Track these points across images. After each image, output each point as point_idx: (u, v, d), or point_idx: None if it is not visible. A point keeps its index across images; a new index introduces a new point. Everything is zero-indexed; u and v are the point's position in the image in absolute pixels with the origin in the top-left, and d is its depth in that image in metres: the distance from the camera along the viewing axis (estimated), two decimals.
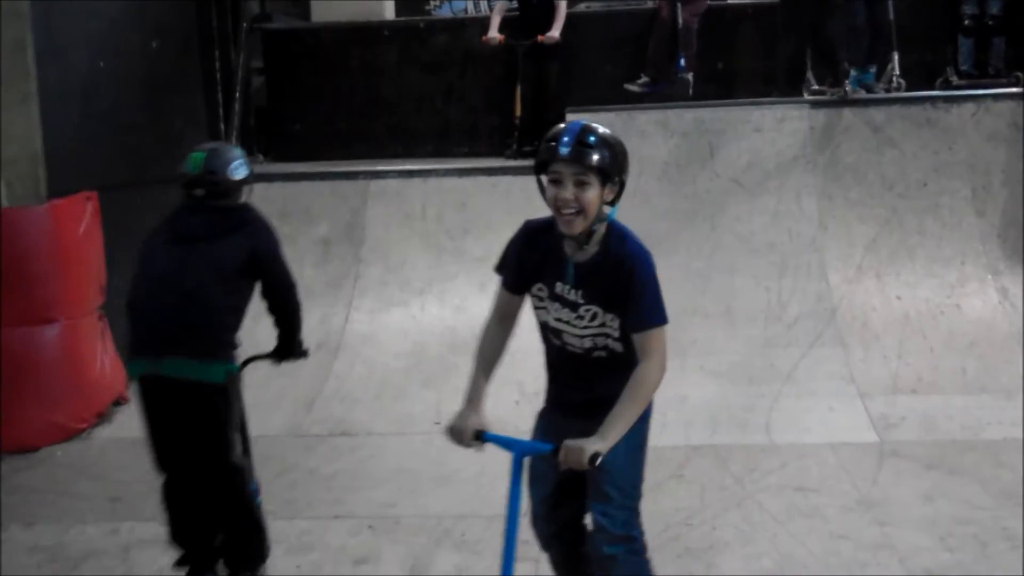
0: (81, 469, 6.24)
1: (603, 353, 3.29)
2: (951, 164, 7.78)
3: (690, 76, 8.88)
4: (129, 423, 6.87)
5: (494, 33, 9.07)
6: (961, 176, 7.74)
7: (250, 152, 9.54)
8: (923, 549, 4.74)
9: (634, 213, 7.54)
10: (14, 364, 6.42)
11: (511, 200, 8.06)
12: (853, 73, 8.38)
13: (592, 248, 3.21)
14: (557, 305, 3.28)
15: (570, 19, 9.12)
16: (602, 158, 3.08)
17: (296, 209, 8.10)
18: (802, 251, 7.52)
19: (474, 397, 3.36)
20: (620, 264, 3.17)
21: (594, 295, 3.22)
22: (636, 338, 3.18)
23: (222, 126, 9.29)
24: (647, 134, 8.10)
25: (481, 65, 9.66)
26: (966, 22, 8.76)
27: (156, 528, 4.60)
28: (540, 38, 8.88)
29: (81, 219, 6.81)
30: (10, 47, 6.64)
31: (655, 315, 3.17)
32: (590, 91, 9.18)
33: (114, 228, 7.18)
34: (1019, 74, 8.52)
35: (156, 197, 8.15)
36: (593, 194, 3.08)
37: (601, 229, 3.20)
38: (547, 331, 3.38)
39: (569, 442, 3.02)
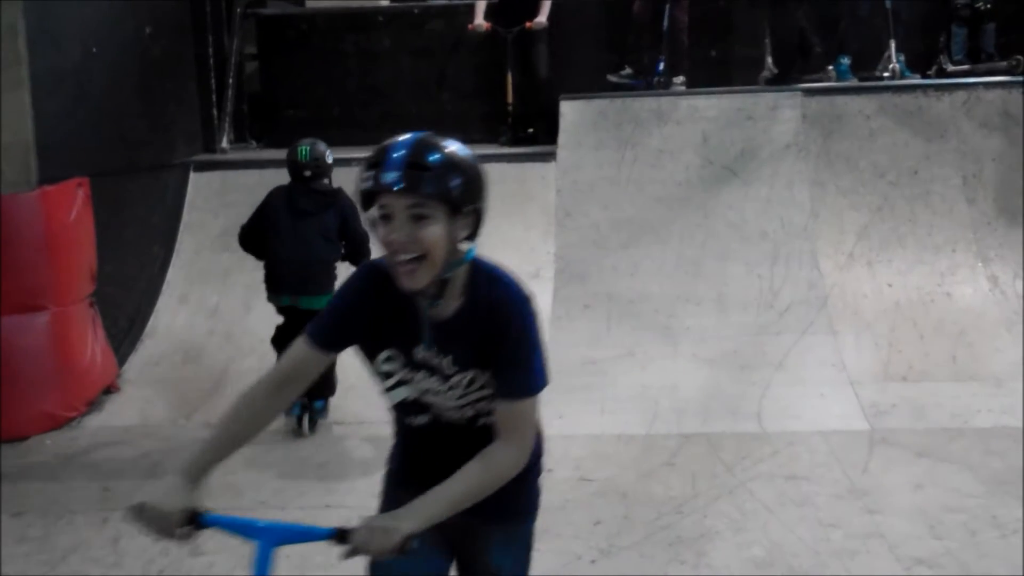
0: (71, 458, 6.23)
1: (491, 419, 2.54)
2: (942, 152, 7.79)
3: (682, 80, 8.87)
4: (120, 412, 6.89)
5: (480, 20, 9.04)
6: (952, 164, 7.74)
7: (243, 138, 9.60)
8: (913, 537, 4.75)
9: (628, 200, 7.82)
10: (3, 352, 6.41)
11: (504, 187, 7.96)
12: (845, 61, 8.42)
13: (453, 301, 2.46)
14: (422, 374, 2.53)
15: (562, 3, 9.09)
16: (445, 182, 2.32)
17: None
18: (794, 239, 7.51)
19: (194, 468, 2.45)
20: (491, 314, 2.45)
21: (467, 358, 2.48)
22: (501, 408, 2.46)
23: (215, 112, 9.26)
24: (641, 121, 8.10)
25: (474, 52, 9.64)
26: (959, 10, 8.78)
27: None
28: (528, 25, 8.85)
29: (72, 206, 6.78)
30: (2, 33, 6.60)
31: (529, 381, 2.47)
32: (583, 78, 9.16)
33: (105, 215, 7.17)
34: (1020, 57, 8.52)
35: (148, 183, 8.18)
36: (437, 231, 2.31)
37: (461, 274, 2.44)
38: (410, 409, 2.61)
39: (373, 520, 2.30)
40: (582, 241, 7.69)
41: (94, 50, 7.54)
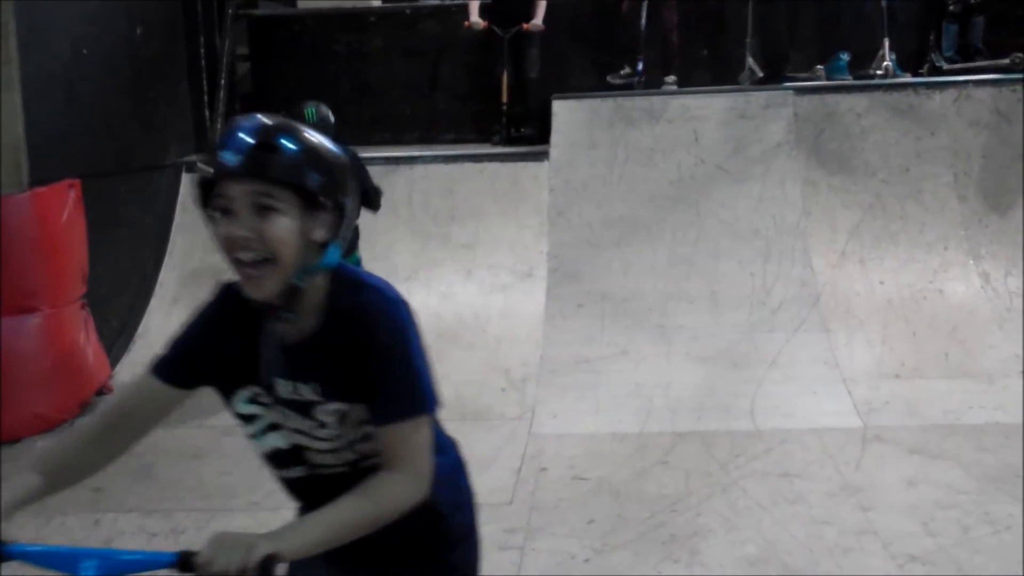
0: None
1: (379, 461, 2.10)
2: (933, 150, 7.79)
3: (674, 79, 8.91)
4: None
5: (476, 18, 9.02)
6: (943, 162, 7.75)
7: None
8: (906, 534, 4.74)
9: (620, 199, 7.83)
10: None
11: (497, 187, 8.10)
12: (844, 57, 8.46)
13: (310, 316, 2.06)
14: (291, 414, 2.11)
15: (556, 3, 9.09)
16: (299, 167, 1.95)
17: None
18: (786, 237, 7.51)
19: (10, 500, 2.13)
20: (354, 325, 2.02)
21: (334, 386, 2.07)
22: (381, 437, 2.06)
23: (207, 113, 9.24)
24: (634, 120, 8.10)
25: (467, 52, 9.64)
26: (951, 7, 8.79)
27: (138, 519, 4.58)
28: (525, 26, 8.85)
29: (64, 207, 6.76)
30: None
31: (408, 400, 2.04)
32: (576, 77, 9.21)
33: (97, 216, 7.15)
34: (1019, 55, 8.53)
35: (140, 185, 8.16)
36: (287, 227, 1.94)
37: (320, 284, 2.05)
38: (282, 460, 2.18)
39: (224, 536, 1.85)
40: (575, 240, 7.69)
41: (85, 51, 7.51)
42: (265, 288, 1.97)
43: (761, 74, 8.87)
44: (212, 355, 2.13)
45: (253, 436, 2.18)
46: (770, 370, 6.74)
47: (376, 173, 7.94)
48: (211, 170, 1.95)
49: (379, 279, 2.12)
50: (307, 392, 2.08)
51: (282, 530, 1.94)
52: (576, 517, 5.07)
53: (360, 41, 9.84)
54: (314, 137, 2.03)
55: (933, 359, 6.80)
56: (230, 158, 1.92)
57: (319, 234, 2.00)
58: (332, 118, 6.68)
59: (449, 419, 6.63)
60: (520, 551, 4.70)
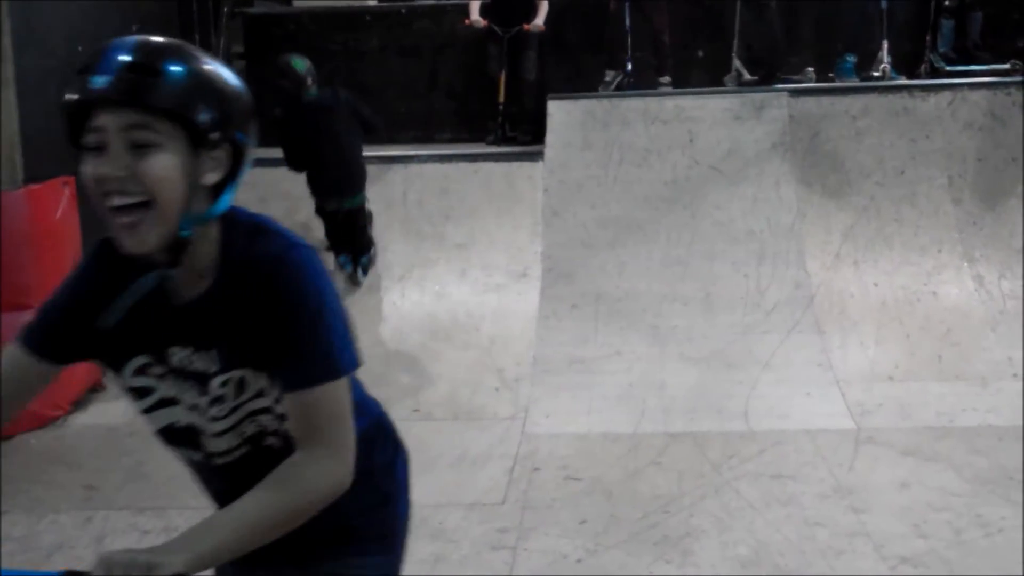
0: (55, 457, 6.18)
1: (278, 441, 1.88)
2: (928, 152, 7.80)
3: (668, 80, 8.91)
4: (105, 411, 6.85)
5: (476, 16, 9.00)
6: (938, 164, 7.75)
7: None
8: (898, 536, 4.73)
9: (615, 200, 7.82)
10: None
11: (492, 186, 8.10)
12: (851, 59, 8.46)
13: (201, 271, 1.79)
14: (186, 386, 1.85)
15: (555, 4, 9.09)
16: (184, 94, 1.66)
17: (276, 194, 8.00)
18: (780, 238, 7.51)
19: None
20: (253, 278, 1.75)
21: (234, 350, 1.80)
22: (290, 405, 1.77)
23: None
24: (629, 121, 8.10)
25: (463, 51, 9.62)
26: (947, 2, 8.79)
27: (130, 517, 4.56)
28: (526, 27, 8.84)
29: (58, 205, 6.75)
30: None
31: (322, 361, 1.75)
32: (572, 78, 9.20)
33: (91, 214, 7.11)
34: (1017, 62, 8.53)
35: None
36: (169, 165, 1.66)
37: (211, 234, 1.79)
38: (178, 439, 1.93)
39: (115, 555, 1.53)
40: (570, 241, 7.69)
41: (80, 48, 7.49)
42: (144, 239, 1.68)
43: (748, 76, 8.87)
44: (89, 323, 1.84)
45: (145, 411, 1.91)
46: (764, 371, 6.73)
47: (371, 171, 7.96)
48: (76, 95, 1.67)
49: (278, 225, 1.84)
50: (203, 362, 1.82)
51: (183, 539, 1.63)
52: (569, 517, 5.06)
53: (356, 40, 9.82)
54: (206, 60, 1.74)
55: (926, 361, 6.79)
56: (99, 81, 1.63)
57: (210, 176, 1.73)
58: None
59: (443, 418, 6.67)
60: (512, 551, 4.70)
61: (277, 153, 8.04)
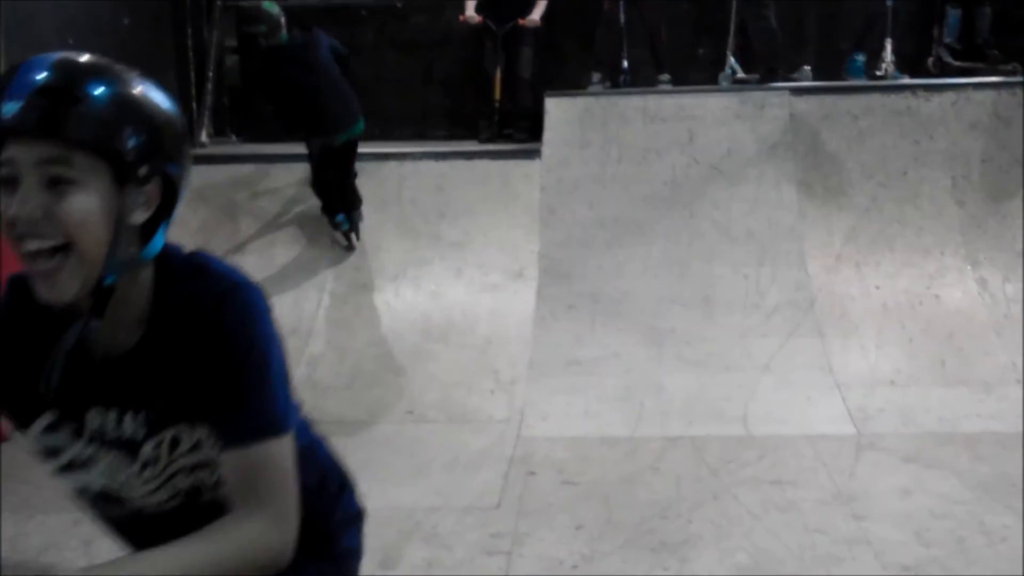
0: None
1: (218, 496, 1.67)
2: (931, 153, 7.74)
3: (667, 77, 8.89)
4: None
5: (471, 12, 8.96)
6: (941, 165, 7.70)
7: (223, 132, 9.52)
8: (899, 544, 4.70)
9: (613, 199, 7.76)
10: None
11: (488, 185, 8.03)
12: (860, 59, 8.39)
13: (130, 322, 1.59)
14: (101, 452, 1.65)
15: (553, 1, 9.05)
16: (109, 123, 1.47)
17: (269, 190, 8.03)
18: (781, 239, 7.46)
19: None
20: (190, 321, 1.57)
21: (166, 409, 1.61)
22: (227, 463, 1.58)
23: (194, 106, 9.16)
24: (628, 119, 8.04)
25: (460, 47, 9.57)
26: None
27: None
28: (521, 22, 8.78)
29: None
30: None
31: (261, 416, 1.58)
32: (571, 75, 9.15)
33: None
34: (1018, 65, 8.46)
35: None
36: (89, 206, 1.47)
37: (143, 280, 1.60)
38: (92, 499, 1.74)
39: None
40: (567, 240, 7.64)
41: (71, 41, 7.42)
42: (64, 288, 1.47)
43: (742, 74, 8.82)
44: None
45: (56, 472, 1.70)
46: (763, 375, 6.69)
47: (365, 169, 7.92)
48: None
49: (222, 263, 1.64)
50: (131, 427, 1.61)
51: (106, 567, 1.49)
52: (564, 522, 5.03)
53: (350, 35, 9.69)
54: (134, 82, 1.52)
55: (929, 366, 6.75)
56: (8, 108, 1.42)
57: (138, 215, 1.53)
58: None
59: (437, 420, 6.59)
60: (507, 556, 4.68)
61: (269, 149, 7.97)
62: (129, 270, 1.56)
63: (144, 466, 1.64)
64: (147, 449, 1.62)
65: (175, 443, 1.63)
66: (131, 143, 1.48)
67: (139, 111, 1.51)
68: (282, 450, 1.59)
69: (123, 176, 1.49)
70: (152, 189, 1.54)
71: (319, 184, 7.59)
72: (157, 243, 1.58)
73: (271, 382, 1.58)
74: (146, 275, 1.60)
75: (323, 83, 7.16)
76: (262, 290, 1.61)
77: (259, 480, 1.56)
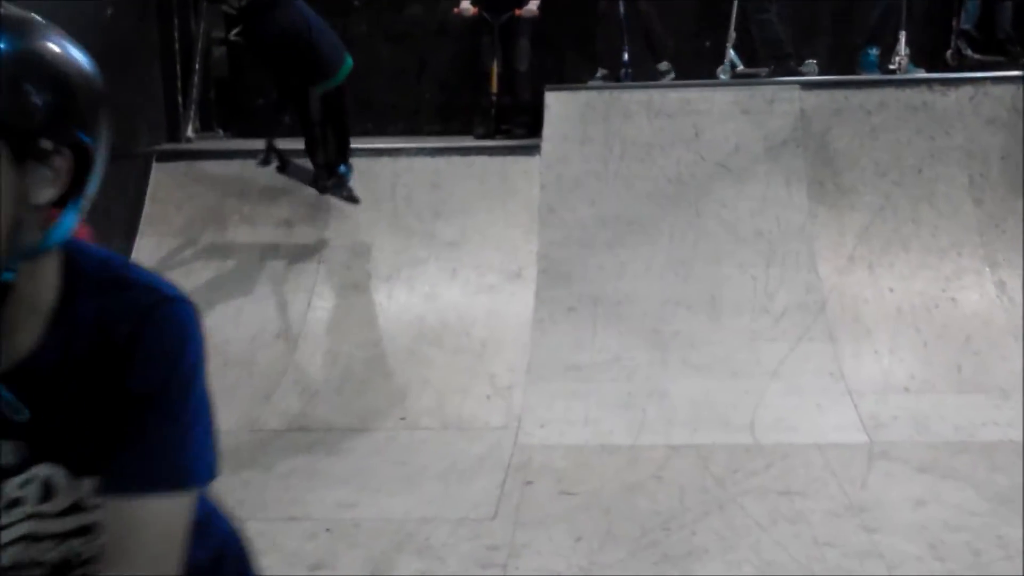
0: None
1: (91, 572, 1.46)
2: (948, 150, 7.65)
3: (667, 65, 8.83)
4: None
5: (466, 4, 8.87)
6: (958, 162, 7.61)
7: (209, 127, 9.50)
8: (913, 557, 4.66)
9: (615, 197, 7.64)
10: None
11: (485, 182, 7.98)
12: (874, 52, 8.44)
13: (30, 325, 1.36)
14: None
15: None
16: (4, 82, 1.28)
17: (256, 187, 7.93)
18: (791, 239, 7.40)
19: None
20: (100, 341, 1.35)
21: (50, 437, 1.37)
22: (111, 511, 1.35)
23: (180, 99, 9.09)
24: (631, 114, 7.97)
25: (455, 39, 9.51)
26: None
27: None
28: (518, 12, 8.69)
29: None
30: None
31: (162, 461, 1.36)
32: (571, 70, 9.14)
33: None
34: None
35: (108, 174, 7.82)
36: None
37: (46, 273, 1.37)
38: None
39: None
40: (567, 239, 7.58)
41: None
42: None
43: (742, 67, 8.78)
44: None
45: None
46: (772, 381, 6.65)
47: (357, 165, 7.88)
48: None
49: (143, 271, 1.43)
50: (10, 452, 1.35)
51: None
52: (563, 534, 5.01)
53: (343, 26, 9.63)
54: (41, 35, 1.35)
55: (944, 372, 6.70)
56: None
57: (42, 193, 1.31)
58: None
59: (430, 427, 6.37)
60: (503, 569, 4.68)
61: (257, 144, 7.84)
62: (29, 258, 1.32)
63: (13, 504, 1.37)
64: (11, 486, 1.35)
65: (47, 492, 1.36)
66: (31, 108, 1.27)
67: (41, 69, 1.30)
68: (174, 509, 1.34)
69: (22, 150, 1.27)
70: (61, 162, 1.32)
71: (316, 143, 7.56)
72: (65, 226, 1.34)
73: (185, 423, 1.35)
74: (50, 272, 1.36)
75: (314, 27, 7.28)
76: (194, 308, 1.38)
77: (137, 541, 1.31)
